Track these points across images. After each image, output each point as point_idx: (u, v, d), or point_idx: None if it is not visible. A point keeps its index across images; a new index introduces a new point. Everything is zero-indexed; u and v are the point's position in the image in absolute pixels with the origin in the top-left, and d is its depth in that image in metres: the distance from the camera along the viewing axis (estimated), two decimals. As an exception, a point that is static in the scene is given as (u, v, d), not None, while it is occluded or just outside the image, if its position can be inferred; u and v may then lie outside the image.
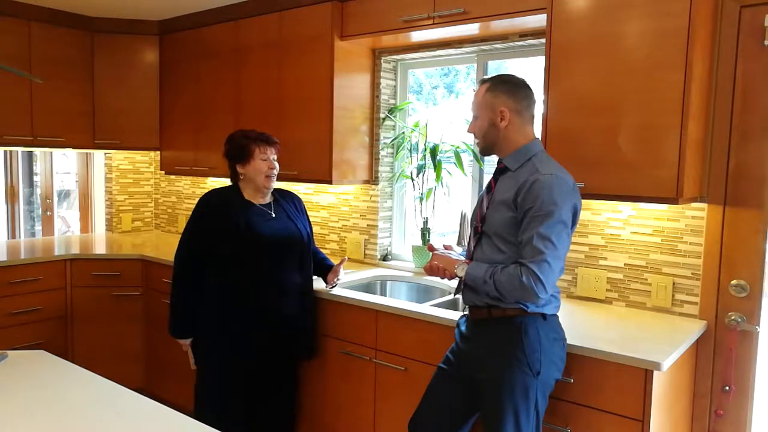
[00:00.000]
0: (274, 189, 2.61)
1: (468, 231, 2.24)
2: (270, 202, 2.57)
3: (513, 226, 1.80)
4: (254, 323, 2.44)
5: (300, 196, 2.82)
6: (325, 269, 2.70)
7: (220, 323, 2.45)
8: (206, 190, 2.63)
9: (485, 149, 1.94)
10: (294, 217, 2.59)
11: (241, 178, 2.52)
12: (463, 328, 1.99)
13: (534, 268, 1.70)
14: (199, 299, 2.48)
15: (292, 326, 2.52)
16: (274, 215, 2.53)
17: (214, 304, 2.46)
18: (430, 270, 1.96)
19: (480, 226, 1.91)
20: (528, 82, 1.91)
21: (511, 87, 1.87)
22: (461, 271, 1.88)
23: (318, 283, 2.71)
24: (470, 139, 3.03)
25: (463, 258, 1.96)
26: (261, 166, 2.48)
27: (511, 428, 1.78)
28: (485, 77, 1.96)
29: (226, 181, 2.64)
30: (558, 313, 1.91)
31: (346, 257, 2.79)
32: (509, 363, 1.79)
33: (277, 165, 2.53)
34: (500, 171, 1.92)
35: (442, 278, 1.96)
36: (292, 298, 2.51)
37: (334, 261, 2.76)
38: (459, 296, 2.02)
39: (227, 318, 2.44)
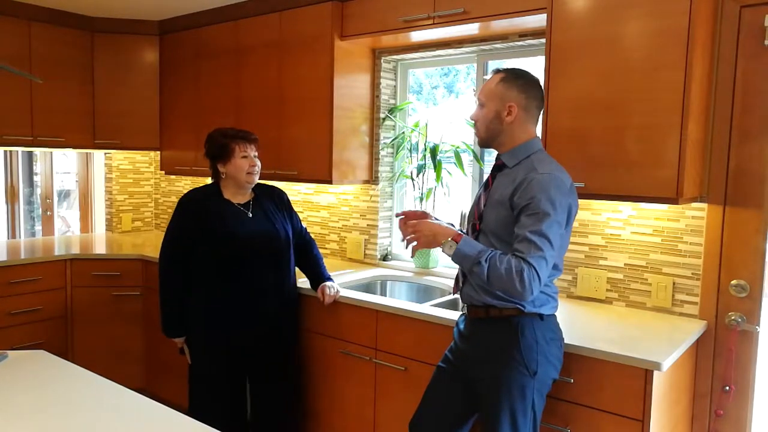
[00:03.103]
0: (257, 185, 2.62)
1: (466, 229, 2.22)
2: (249, 201, 2.58)
3: (509, 224, 1.78)
4: (233, 322, 2.46)
5: (300, 195, 2.82)
6: (316, 278, 2.68)
7: (203, 321, 2.48)
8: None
9: (485, 141, 1.90)
10: (272, 216, 2.58)
11: (223, 177, 2.54)
12: (461, 326, 1.99)
13: (534, 263, 1.67)
14: (186, 298, 2.50)
15: (270, 325, 2.53)
16: (251, 215, 2.53)
17: (197, 303, 2.49)
18: (406, 231, 1.85)
19: (478, 224, 1.90)
20: (540, 82, 1.89)
21: (526, 83, 1.85)
22: (449, 249, 1.77)
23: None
24: (470, 138, 3.04)
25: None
26: (242, 164, 2.49)
27: (508, 428, 1.78)
28: (501, 68, 1.91)
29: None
30: (556, 314, 1.91)
31: (326, 299, 2.60)
32: (506, 363, 1.79)
33: (258, 162, 2.54)
34: (498, 168, 1.91)
35: (407, 242, 1.85)
36: (270, 297, 2.52)
37: (334, 261, 2.74)
38: (458, 295, 2.01)
39: (209, 316, 2.47)
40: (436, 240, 1.80)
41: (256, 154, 2.55)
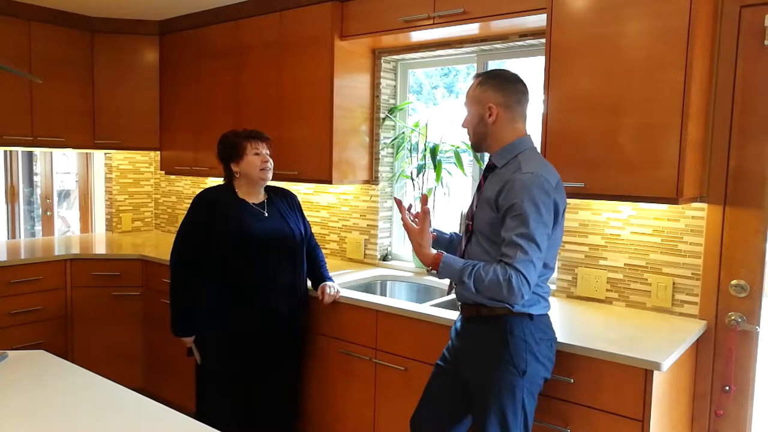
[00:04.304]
0: (268, 187, 2.62)
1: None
2: (264, 201, 2.58)
3: (496, 225, 1.78)
4: (246, 322, 2.46)
5: (300, 196, 2.82)
6: (317, 278, 2.68)
7: (214, 321, 2.47)
8: (206, 190, 2.63)
9: (475, 145, 1.94)
10: (287, 215, 2.59)
11: (236, 176, 2.53)
12: (458, 325, 2.00)
13: (521, 268, 1.67)
14: (198, 297, 2.49)
15: (282, 325, 2.53)
16: (266, 214, 2.54)
17: (210, 302, 2.48)
18: (407, 231, 1.86)
19: (470, 225, 1.91)
20: (520, 77, 1.89)
21: (501, 82, 1.85)
22: (434, 273, 1.82)
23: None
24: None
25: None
26: (254, 161, 2.50)
27: (497, 427, 1.78)
28: (479, 72, 1.94)
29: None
30: (548, 313, 1.91)
31: (326, 298, 2.60)
32: (495, 362, 1.79)
33: (270, 160, 2.55)
34: (489, 168, 1.92)
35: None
36: (283, 296, 2.52)
37: (334, 261, 2.75)
38: (454, 294, 2.02)
39: (221, 316, 2.46)
40: (418, 256, 1.85)
41: (269, 152, 2.56)
